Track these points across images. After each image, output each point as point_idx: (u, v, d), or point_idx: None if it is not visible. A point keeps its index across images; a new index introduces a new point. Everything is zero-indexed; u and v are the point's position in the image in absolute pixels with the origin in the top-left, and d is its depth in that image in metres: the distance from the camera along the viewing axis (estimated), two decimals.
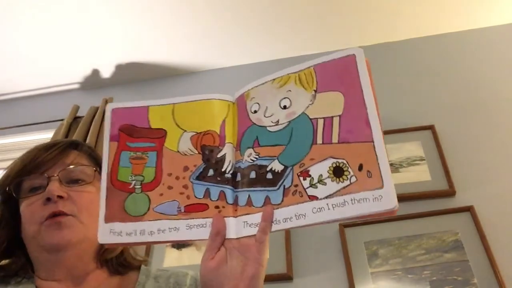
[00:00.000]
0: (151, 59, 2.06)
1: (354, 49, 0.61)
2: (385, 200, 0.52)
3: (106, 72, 2.12)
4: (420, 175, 1.58)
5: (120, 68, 2.09)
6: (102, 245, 0.74)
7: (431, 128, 1.68)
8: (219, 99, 0.68)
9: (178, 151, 0.65)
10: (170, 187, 0.63)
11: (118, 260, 0.78)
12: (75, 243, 0.70)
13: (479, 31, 1.96)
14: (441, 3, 1.86)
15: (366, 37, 1.98)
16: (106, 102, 1.93)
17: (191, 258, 1.56)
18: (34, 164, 0.72)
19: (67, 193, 0.71)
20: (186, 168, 0.64)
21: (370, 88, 0.58)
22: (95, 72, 2.12)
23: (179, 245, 1.61)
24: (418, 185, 1.55)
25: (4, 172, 0.76)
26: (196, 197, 0.62)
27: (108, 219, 0.62)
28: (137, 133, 0.67)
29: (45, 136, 1.97)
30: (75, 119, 1.92)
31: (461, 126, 1.69)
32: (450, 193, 1.52)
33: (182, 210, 0.62)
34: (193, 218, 0.61)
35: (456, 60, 1.90)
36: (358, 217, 0.55)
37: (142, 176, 0.64)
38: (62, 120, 1.92)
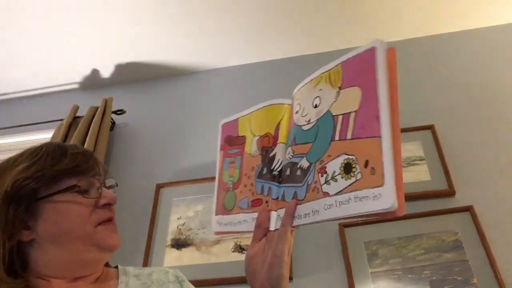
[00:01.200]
0: (151, 59, 2.06)
1: (376, 41, 0.59)
2: (383, 199, 0.50)
3: (106, 72, 2.12)
4: (420, 175, 1.57)
5: (120, 68, 2.09)
6: None
7: (431, 128, 1.68)
8: (278, 104, 0.75)
9: (250, 154, 0.75)
10: (245, 185, 0.74)
11: None
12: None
13: (479, 31, 1.96)
14: (441, 3, 1.86)
15: (366, 37, 1.98)
16: (106, 102, 1.93)
17: (191, 258, 1.56)
18: (87, 166, 0.73)
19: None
20: (253, 168, 0.74)
21: (386, 82, 0.55)
22: (95, 72, 2.12)
23: (179, 245, 1.61)
24: (418, 185, 1.55)
25: (27, 170, 0.71)
26: (257, 193, 0.71)
27: (216, 213, 0.77)
28: (232, 141, 0.80)
29: (45, 136, 1.97)
30: (75, 119, 1.92)
31: (461, 126, 1.69)
32: (450, 193, 1.52)
33: (249, 205, 0.72)
34: (253, 212, 0.70)
35: (456, 60, 1.90)
36: (360, 216, 0.53)
37: (233, 177, 0.77)
38: (62, 120, 1.92)
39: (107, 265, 0.80)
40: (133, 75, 2.14)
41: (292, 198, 0.63)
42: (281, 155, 0.70)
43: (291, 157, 0.67)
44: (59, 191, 0.70)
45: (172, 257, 1.58)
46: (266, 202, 0.69)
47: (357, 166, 0.54)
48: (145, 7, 1.79)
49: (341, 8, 1.85)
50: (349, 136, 0.57)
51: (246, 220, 0.71)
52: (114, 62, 2.07)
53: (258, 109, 0.77)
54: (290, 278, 1.44)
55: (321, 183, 0.59)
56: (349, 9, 1.86)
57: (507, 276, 1.31)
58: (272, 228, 0.66)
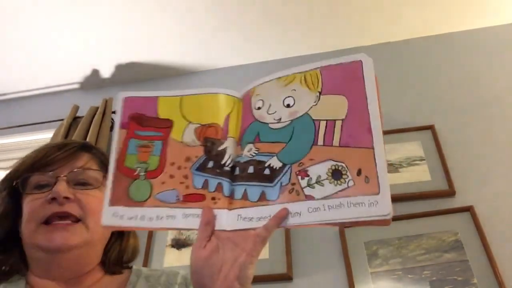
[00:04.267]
0: (151, 59, 2.06)
1: (361, 55, 0.62)
2: (380, 206, 0.53)
3: (106, 72, 2.12)
4: (420, 175, 1.57)
5: (120, 68, 2.09)
6: (106, 246, 0.76)
7: (431, 128, 1.68)
8: (225, 94, 0.69)
9: (182, 142, 0.67)
10: (171, 176, 0.65)
11: (116, 260, 0.78)
12: (74, 247, 0.69)
13: (479, 31, 1.96)
14: (441, 3, 1.86)
15: (366, 37, 1.98)
16: (106, 102, 1.93)
17: None
18: (44, 161, 0.72)
19: (74, 194, 0.71)
20: (188, 159, 0.66)
21: (375, 96, 0.59)
22: (95, 72, 2.12)
23: (179, 245, 1.61)
24: (418, 185, 1.55)
25: (14, 166, 0.76)
26: (195, 187, 0.64)
27: (112, 203, 0.63)
28: (146, 122, 0.69)
29: (45, 136, 1.97)
30: (75, 119, 1.92)
31: (461, 126, 1.69)
32: (450, 193, 1.52)
33: (180, 199, 0.63)
34: (189, 208, 0.63)
35: (456, 60, 1.90)
36: (353, 221, 0.55)
37: (147, 163, 0.66)
38: (62, 120, 1.92)
39: (124, 266, 0.79)
40: (133, 75, 2.14)
41: (260, 198, 0.61)
42: (232, 150, 0.65)
43: (254, 154, 0.64)
44: (23, 188, 0.72)
45: (172, 257, 1.58)
46: (213, 198, 0.63)
47: (348, 174, 0.57)
48: (145, 7, 1.79)
49: (341, 8, 1.85)
50: (335, 143, 0.59)
51: (173, 216, 0.62)
52: (114, 62, 2.07)
53: (195, 94, 0.70)
54: (290, 278, 1.44)
55: (302, 186, 0.59)
56: (349, 10, 1.86)
57: (507, 276, 1.31)
58: (226, 227, 0.61)
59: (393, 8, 1.86)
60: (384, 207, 0.53)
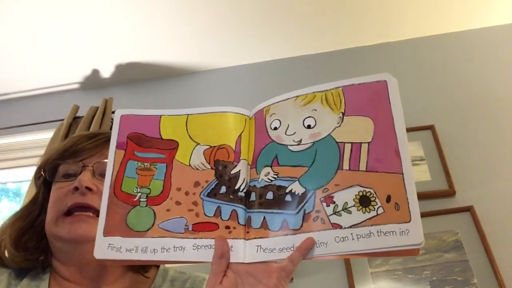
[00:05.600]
0: (151, 59, 2.06)
1: (385, 75, 0.60)
2: (412, 234, 0.51)
3: (106, 72, 2.12)
4: (420, 175, 1.57)
5: (120, 68, 2.09)
6: None
7: (431, 128, 1.68)
8: (235, 113, 0.65)
9: (189, 165, 0.61)
10: (178, 203, 0.59)
11: None
12: (93, 239, 0.68)
13: (479, 31, 1.96)
14: (441, 3, 1.86)
15: (366, 37, 1.98)
16: (106, 102, 1.93)
17: None
18: (72, 150, 0.72)
19: (97, 186, 0.68)
20: (197, 184, 0.60)
21: (402, 117, 0.57)
22: (95, 72, 2.12)
23: None
24: (418, 185, 1.50)
25: (48, 153, 0.77)
26: (206, 215, 0.58)
27: (107, 233, 0.57)
28: (146, 142, 0.63)
29: (45, 136, 1.97)
30: (75, 119, 1.92)
31: (461, 126, 1.69)
32: (450, 193, 1.52)
33: (190, 229, 0.58)
34: (201, 238, 0.57)
35: (456, 60, 1.90)
36: (384, 252, 0.52)
37: (149, 188, 0.60)
38: (62, 120, 1.92)
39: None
40: (133, 75, 2.14)
41: (281, 227, 0.56)
42: (246, 173, 0.61)
43: (273, 178, 0.59)
44: (51, 177, 0.73)
45: None
46: (227, 227, 0.57)
47: (376, 200, 0.54)
48: (145, 7, 1.79)
49: (340, 8, 1.85)
50: (362, 167, 0.55)
51: (182, 247, 0.56)
52: (114, 62, 2.07)
53: (201, 113, 0.65)
54: (291, 278, 1.44)
55: (328, 214, 0.55)
56: (349, 10, 1.86)
57: (507, 276, 1.31)
58: (243, 260, 0.56)
59: (393, 8, 1.86)
60: (416, 236, 0.51)
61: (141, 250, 0.57)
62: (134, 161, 0.62)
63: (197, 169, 0.61)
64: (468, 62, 1.88)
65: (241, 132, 0.63)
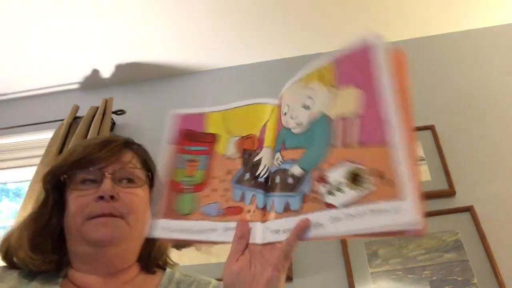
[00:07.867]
0: (151, 59, 2.06)
1: (370, 37, 0.54)
2: (405, 213, 0.45)
3: (106, 72, 2.12)
4: (420, 175, 1.57)
5: (120, 68, 2.09)
6: (146, 245, 0.78)
7: (431, 128, 1.68)
8: (263, 103, 0.69)
9: (224, 155, 0.68)
10: (214, 190, 0.66)
11: (155, 259, 0.80)
12: (117, 241, 0.70)
13: (480, 31, 1.96)
14: (442, 3, 1.86)
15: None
16: (106, 102, 1.93)
17: (191, 258, 1.56)
18: (90, 158, 0.73)
19: (118, 193, 0.72)
20: (229, 172, 0.66)
21: (389, 83, 0.50)
22: (95, 72, 2.12)
23: (179, 245, 1.61)
24: None
25: (58, 160, 0.77)
26: (234, 200, 0.64)
27: (160, 216, 0.66)
28: (194, 137, 0.71)
29: (45, 136, 1.97)
30: (75, 119, 1.92)
31: (461, 126, 1.69)
32: (450, 193, 1.52)
33: (222, 212, 0.64)
34: (229, 221, 0.62)
35: (456, 60, 1.90)
36: (378, 232, 0.48)
37: (193, 177, 0.68)
38: (62, 120, 1.92)
39: (158, 266, 0.80)
40: (133, 75, 2.14)
41: (284, 209, 0.57)
42: (267, 160, 0.63)
43: (280, 163, 0.60)
44: (70, 183, 0.73)
45: (172, 258, 1.57)
46: (248, 211, 0.61)
47: (367, 176, 0.49)
48: (145, 8, 1.79)
49: (340, 8, 1.85)
50: (354, 143, 0.52)
51: (214, 229, 0.62)
52: (114, 62, 2.07)
53: (236, 107, 0.70)
54: (290, 278, 1.44)
55: (322, 193, 0.53)
56: (349, 9, 1.86)
57: (507, 276, 1.31)
58: (259, 241, 0.59)
59: (392, 8, 1.86)
60: (410, 214, 0.45)
61: (184, 231, 0.64)
62: (183, 154, 0.70)
63: (230, 158, 0.68)
64: (468, 62, 1.87)
65: (267, 121, 0.67)
